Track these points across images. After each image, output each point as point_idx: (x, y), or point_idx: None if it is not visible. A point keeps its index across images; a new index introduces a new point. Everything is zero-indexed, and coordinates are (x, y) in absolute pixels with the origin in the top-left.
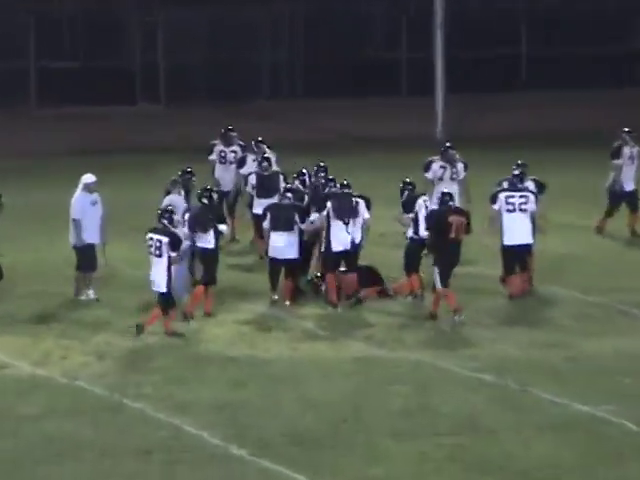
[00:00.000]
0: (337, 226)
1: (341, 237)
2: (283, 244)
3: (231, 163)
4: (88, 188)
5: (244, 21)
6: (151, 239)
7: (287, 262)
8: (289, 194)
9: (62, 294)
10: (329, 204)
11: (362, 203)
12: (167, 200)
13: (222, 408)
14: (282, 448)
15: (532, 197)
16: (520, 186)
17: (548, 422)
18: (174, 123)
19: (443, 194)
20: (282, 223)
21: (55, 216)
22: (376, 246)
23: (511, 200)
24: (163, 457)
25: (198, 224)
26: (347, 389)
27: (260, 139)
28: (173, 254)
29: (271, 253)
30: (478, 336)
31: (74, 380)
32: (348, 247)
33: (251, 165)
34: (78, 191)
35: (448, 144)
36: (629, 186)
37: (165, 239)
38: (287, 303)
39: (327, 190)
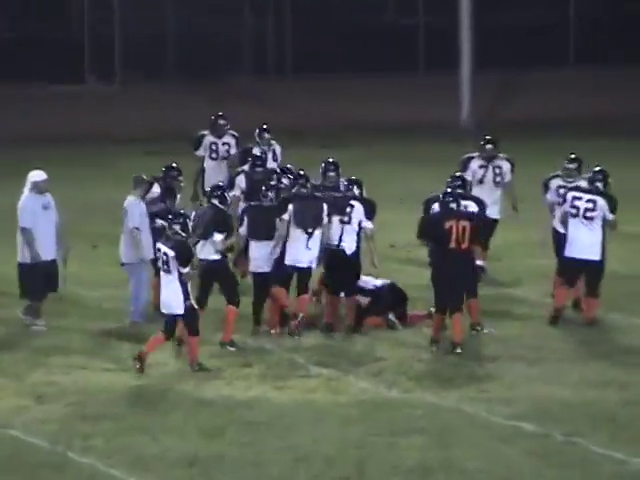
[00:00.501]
0: (295, 236)
1: (298, 250)
2: (263, 255)
3: (224, 158)
4: (38, 188)
5: None
6: (159, 250)
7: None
8: (270, 193)
9: None
10: (290, 207)
11: (358, 208)
12: (126, 202)
13: (192, 463)
14: None
15: (602, 202)
16: (589, 187)
17: None
18: (133, 106)
19: (444, 193)
20: (263, 230)
21: None
22: (385, 260)
23: (577, 203)
24: None
25: (199, 228)
26: (348, 439)
27: (265, 126)
28: (184, 270)
29: (251, 267)
30: (514, 373)
31: (7, 429)
32: (304, 264)
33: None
34: (25, 192)
35: (488, 137)
36: None
37: (171, 252)
38: (272, 332)
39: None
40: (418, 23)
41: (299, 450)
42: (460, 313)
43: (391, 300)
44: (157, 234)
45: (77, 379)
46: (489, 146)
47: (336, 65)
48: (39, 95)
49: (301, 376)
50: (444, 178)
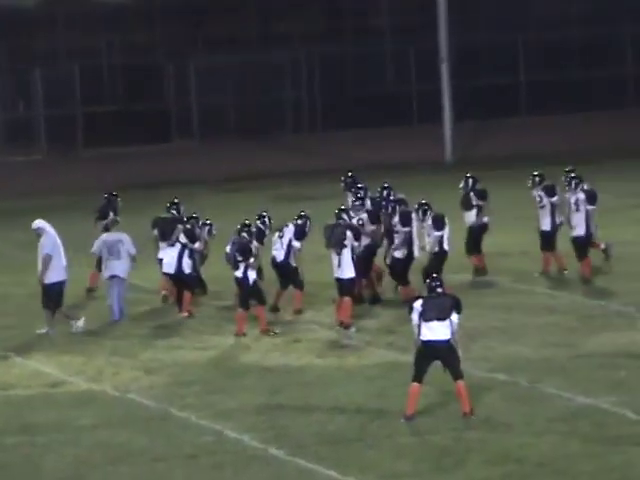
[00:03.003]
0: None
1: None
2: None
3: None
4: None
5: (268, 63)
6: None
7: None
8: (245, 234)
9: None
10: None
11: (291, 229)
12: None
13: (261, 412)
14: (315, 447)
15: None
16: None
17: (557, 414)
18: (210, 157)
19: (339, 209)
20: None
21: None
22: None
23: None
24: (209, 460)
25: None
26: (371, 392)
27: (350, 174)
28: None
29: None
30: (490, 339)
31: (125, 393)
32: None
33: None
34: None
35: (535, 173)
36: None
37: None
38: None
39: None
40: (411, 90)
41: (337, 401)
42: None
43: None
44: None
45: (175, 356)
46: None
47: (353, 121)
48: (137, 152)
49: (336, 347)
50: (433, 199)
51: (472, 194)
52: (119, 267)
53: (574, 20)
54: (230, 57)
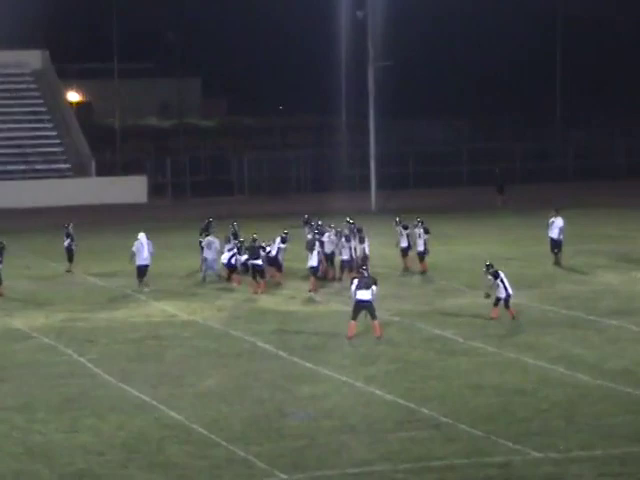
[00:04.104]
0: None
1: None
2: None
3: None
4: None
5: None
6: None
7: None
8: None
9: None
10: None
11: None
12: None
13: (273, 333)
14: (302, 351)
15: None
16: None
17: None
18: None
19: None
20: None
21: None
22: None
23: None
24: (248, 356)
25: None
26: (331, 323)
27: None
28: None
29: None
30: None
31: (206, 321)
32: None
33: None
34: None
35: None
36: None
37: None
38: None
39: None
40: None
41: (316, 329)
42: None
43: None
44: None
45: (233, 302)
46: None
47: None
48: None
49: (312, 302)
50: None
51: None
52: (210, 255)
53: None
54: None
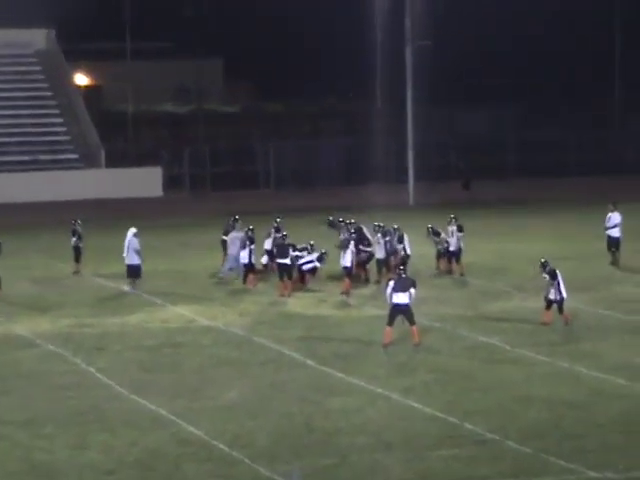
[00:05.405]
0: None
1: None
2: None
3: None
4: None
5: None
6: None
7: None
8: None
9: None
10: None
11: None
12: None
13: (302, 340)
14: (332, 359)
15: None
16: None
17: None
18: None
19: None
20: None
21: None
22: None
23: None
24: (272, 365)
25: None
26: (365, 330)
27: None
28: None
29: None
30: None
31: (228, 327)
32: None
33: None
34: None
35: None
36: None
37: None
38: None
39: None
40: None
41: (345, 334)
42: None
43: None
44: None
45: (257, 308)
46: None
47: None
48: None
49: (345, 305)
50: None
51: None
52: (234, 249)
53: None
54: None
